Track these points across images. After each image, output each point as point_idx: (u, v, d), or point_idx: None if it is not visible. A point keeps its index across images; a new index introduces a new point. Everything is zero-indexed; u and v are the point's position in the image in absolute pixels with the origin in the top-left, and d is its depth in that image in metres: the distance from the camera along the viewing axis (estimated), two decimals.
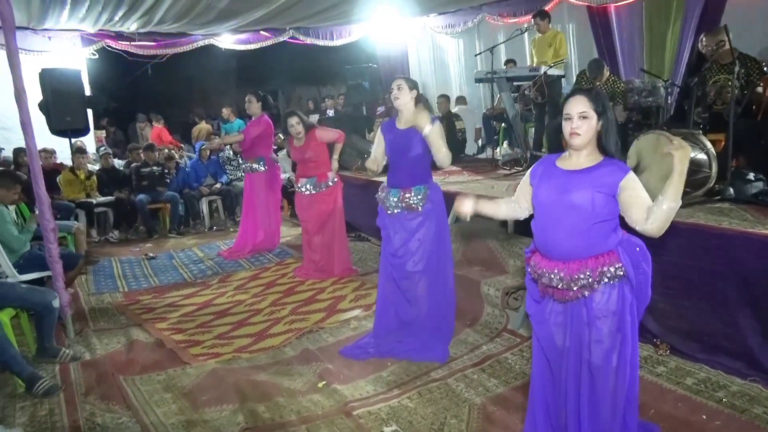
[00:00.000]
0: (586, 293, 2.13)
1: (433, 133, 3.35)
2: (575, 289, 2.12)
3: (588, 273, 2.10)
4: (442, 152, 3.37)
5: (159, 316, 4.47)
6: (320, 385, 3.24)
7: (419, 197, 3.44)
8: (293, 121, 5.06)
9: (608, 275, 2.10)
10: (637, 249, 2.13)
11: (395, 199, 3.48)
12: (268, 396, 3.10)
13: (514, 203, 2.45)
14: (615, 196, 2.09)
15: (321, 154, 5.11)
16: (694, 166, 3.80)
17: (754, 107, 4.36)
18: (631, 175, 2.09)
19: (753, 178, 3.93)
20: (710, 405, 2.76)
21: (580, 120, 2.10)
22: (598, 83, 5.43)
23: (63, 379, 3.34)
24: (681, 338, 3.28)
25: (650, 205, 2.05)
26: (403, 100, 3.45)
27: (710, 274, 3.13)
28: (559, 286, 2.16)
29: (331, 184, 5.14)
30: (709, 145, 3.87)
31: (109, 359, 3.62)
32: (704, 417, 2.68)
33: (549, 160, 2.29)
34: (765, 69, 4.26)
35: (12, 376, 3.21)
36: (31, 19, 7.03)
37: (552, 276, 2.16)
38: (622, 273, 2.11)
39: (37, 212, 4.57)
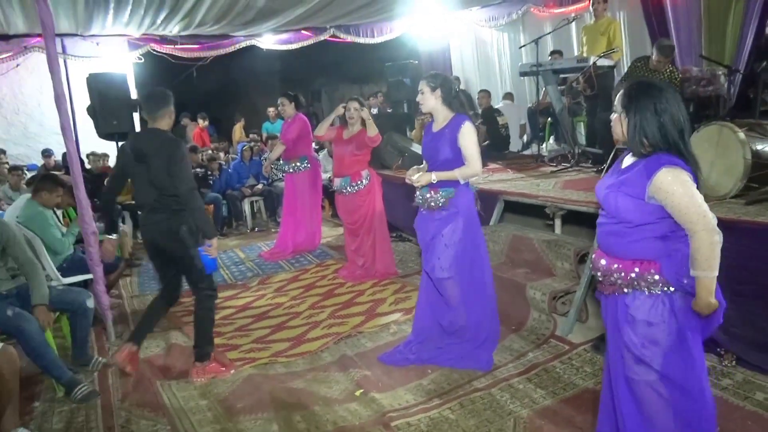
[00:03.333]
0: (624, 290, 1.99)
1: (464, 141, 3.19)
2: (610, 284, 2.03)
3: (622, 274, 1.97)
4: (470, 161, 3.21)
5: None
6: (358, 393, 3.12)
7: (442, 200, 3.28)
8: (354, 105, 4.94)
9: (643, 284, 1.93)
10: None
11: (421, 197, 3.38)
12: (304, 405, 3.01)
13: None
14: (645, 199, 1.88)
15: (362, 149, 4.99)
16: (762, 159, 3.49)
17: None
18: (662, 174, 1.83)
19: None
20: None
21: (612, 116, 2.06)
22: (658, 71, 5.04)
23: (101, 383, 3.35)
24: (749, 348, 2.99)
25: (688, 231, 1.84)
26: (428, 104, 3.30)
27: None
28: (600, 278, 2.09)
29: (365, 182, 5.02)
30: None
31: (147, 364, 3.60)
32: None
33: (623, 158, 2.16)
34: None
35: (53, 381, 3.22)
36: (78, 25, 7.21)
37: (595, 265, 2.11)
38: (665, 287, 1.91)
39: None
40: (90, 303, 3.54)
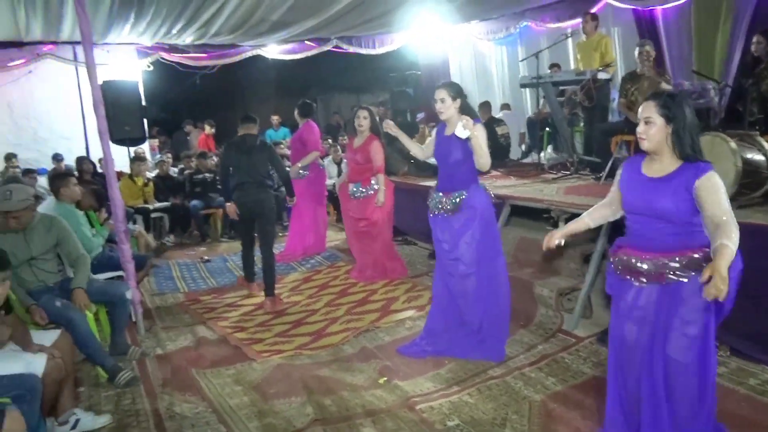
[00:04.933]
0: (678, 277, 2.16)
1: (475, 136, 3.37)
2: (665, 272, 2.18)
3: (678, 260, 2.16)
4: (482, 156, 3.41)
5: (220, 315, 4.67)
6: (381, 381, 3.35)
7: (456, 201, 3.52)
8: (363, 113, 5.22)
9: (695, 269, 2.13)
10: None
11: (436, 201, 3.61)
12: (333, 390, 3.23)
13: (606, 208, 2.53)
14: (692, 198, 2.13)
15: (368, 162, 5.23)
16: (752, 167, 3.79)
17: None
18: (705, 178, 2.10)
19: None
20: None
21: (646, 125, 2.20)
22: (643, 74, 5.36)
23: (141, 370, 3.56)
24: (741, 340, 3.28)
25: (717, 222, 2.04)
26: (448, 113, 3.49)
27: None
28: (650, 270, 2.22)
29: (375, 187, 5.25)
30: (766, 145, 3.86)
31: (181, 354, 3.83)
32: None
33: (633, 166, 2.35)
34: None
35: (95, 368, 3.43)
36: (94, 34, 7.41)
37: (641, 263, 2.24)
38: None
39: (104, 217, 4.87)
40: (128, 294, 3.76)
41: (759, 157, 3.83)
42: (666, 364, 2.20)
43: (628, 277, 2.31)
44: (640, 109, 2.25)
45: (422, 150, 3.89)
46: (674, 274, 2.18)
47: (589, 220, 2.61)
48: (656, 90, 5.02)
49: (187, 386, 3.33)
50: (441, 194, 3.60)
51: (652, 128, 2.19)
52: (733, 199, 3.77)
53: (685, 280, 2.17)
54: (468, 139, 3.34)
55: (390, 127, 3.89)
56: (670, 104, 2.17)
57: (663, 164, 2.24)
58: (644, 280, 2.26)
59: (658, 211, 2.19)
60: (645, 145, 2.22)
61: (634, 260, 2.27)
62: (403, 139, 3.93)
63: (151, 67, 9.05)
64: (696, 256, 2.16)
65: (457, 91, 3.52)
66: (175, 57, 8.89)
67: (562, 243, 2.67)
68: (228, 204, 4.98)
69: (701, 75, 5.66)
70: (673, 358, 2.18)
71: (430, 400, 3.10)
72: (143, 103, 8.03)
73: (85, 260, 3.56)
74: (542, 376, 3.29)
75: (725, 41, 6.45)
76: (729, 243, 1.97)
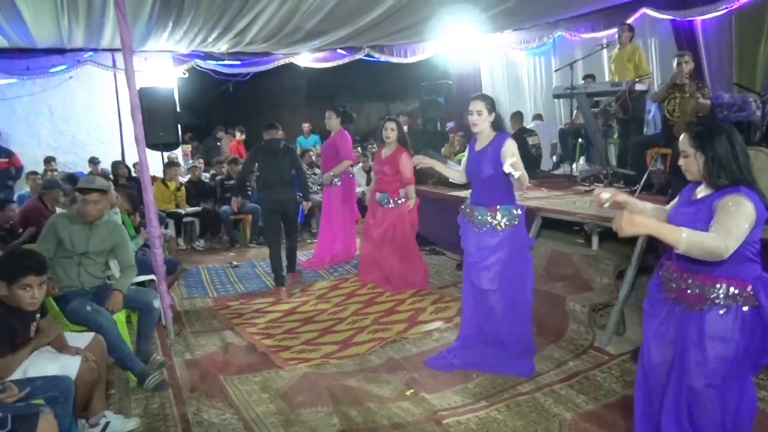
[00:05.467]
0: (706, 306, 2.13)
1: (520, 175, 3.27)
2: (697, 292, 2.15)
3: (712, 285, 2.12)
4: (521, 185, 3.39)
5: (248, 321, 4.70)
6: (408, 393, 3.32)
7: (506, 218, 3.46)
8: (391, 125, 5.24)
9: (733, 296, 2.09)
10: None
11: (481, 217, 3.52)
12: (359, 401, 3.21)
13: (662, 213, 2.43)
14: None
15: (396, 173, 5.23)
16: None
17: None
18: (723, 201, 2.04)
19: None
20: None
21: (684, 158, 2.21)
22: (684, 84, 5.23)
23: (169, 375, 3.60)
24: None
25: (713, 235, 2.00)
26: (482, 126, 3.46)
27: None
28: (686, 289, 2.19)
29: (402, 200, 5.25)
30: None
31: (209, 359, 3.86)
32: None
33: (690, 188, 2.32)
34: None
35: (125, 372, 3.48)
36: (133, 42, 7.61)
37: (680, 280, 2.22)
38: (751, 300, 2.08)
39: (138, 221, 4.96)
40: (156, 303, 3.80)
41: None
42: (688, 391, 2.17)
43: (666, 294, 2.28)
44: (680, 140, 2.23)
45: (460, 173, 3.77)
46: (705, 302, 2.14)
47: (651, 208, 2.46)
48: (694, 106, 4.91)
49: (215, 392, 3.35)
50: (482, 208, 3.53)
51: (688, 161, 2.20)
52: None
53: (711, 307, 2.13)
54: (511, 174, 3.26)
55: (421, 160, 3.87)
56: (702, 135, 2.14)
57: (703, 189, 2.23)
58: (676, 298, 2.24)
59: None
60: (688, 177, 2.24)
61: (676, 276, 2.24)
62: (439, 167, 3.90)
63: (186, 74, 9.24)
64: (729, 288, 2.09)
65: (493, 105, 3.50)
66: (210, 65, 9.06)
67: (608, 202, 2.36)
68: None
69: (742, 87, 5.52)
70: (694, 386, 2.15)
71: (458, 414, 3.06)
72: (178, 109, 8.19)
73: (134, 271, 3.75)
74: (573, 393, 3.22)
75: (767, 53, 6.28)
76: (688, 234, 1.95)
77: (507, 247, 3.48)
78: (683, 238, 1.96)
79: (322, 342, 4.21)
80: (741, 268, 2.10)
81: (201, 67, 9.09)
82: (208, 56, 8.94)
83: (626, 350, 3.66)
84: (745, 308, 2.09)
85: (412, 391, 3.33)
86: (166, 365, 3.75)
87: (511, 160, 3.22)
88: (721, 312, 2.11)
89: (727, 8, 6.43)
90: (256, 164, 5.74)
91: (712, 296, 2.12)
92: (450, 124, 9.86)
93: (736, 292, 2.09)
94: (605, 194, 2.33)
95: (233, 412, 3.13)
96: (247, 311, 4.98)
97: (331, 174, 6.28)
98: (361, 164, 8.70)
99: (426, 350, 3.93)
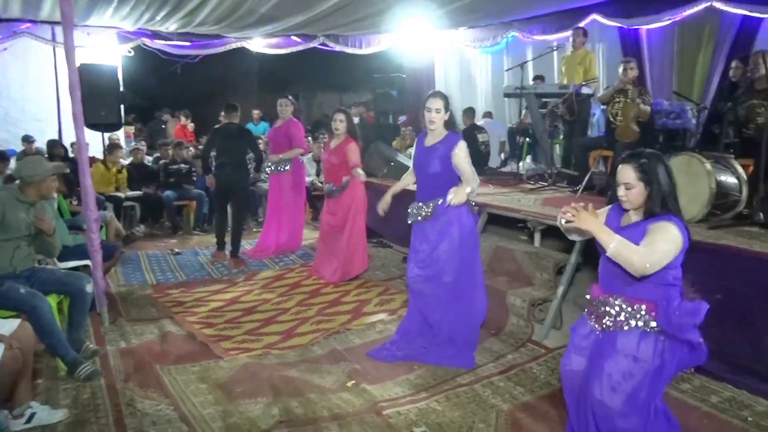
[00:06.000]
0: (618, 327, 2.25)
1: (460, 161, 3.44)
2: (608, 318, 2.27)
3: (621, 308, 2.24)
4: (468, 179, 3.47)
5: (188, 310, 4.58)
6: (349, 384, 3.32)
7: (429, 209, 3.54)
8: (340, 117, 5.20)
9: (640, 321, 2.21)
10: (676, 313, 2.18)
11: (415, 210, 3.63)
12: (300, 392, 3.19)
13: None
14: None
15: (343, 162, 5.20)
16: (724, 190, 3.87)
17: None
18: (657, 225, 2.15)
19: None
20: (735, 423, 2.83)
21: (626, 190, 2.25)
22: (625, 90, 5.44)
23: (103, 365, 3.46)
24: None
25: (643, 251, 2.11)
26: (439, 124, 3.50)
27: (739, 296, 3.18)
28: (599, 310, 2.32)
29: (347, 186, 5.22)
30: (740, 169, 3.94)
31: (145, 348, 3.73)
32: None
33: (617, 211, 2.40)
34: None
35: (54, 360, 3.32)
36: (75, 15, 7.23)
37: (596, 303, 2.34)
38: (655, 326, 2.19)
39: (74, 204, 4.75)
40: (89, 288, 3.63)
41: (732, 179, 3.91)
42: (591, 402, 2.26)
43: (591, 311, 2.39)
44: (618, 170, 2.28)
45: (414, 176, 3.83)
46: (616, 322, 2.26)
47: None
48: (635, 112, 5.09)
49: (151, 382, 3.25)
50: (420, 204, 3.61)
51: (632, 193, 2.24)
52: (704, 220, 3.86)
53: (626, 329, 2.23)
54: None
55: (383, 207, 3.93)
56: (647, 168, 2.21)
57: (631, 216, 2.32)
58: (594, 321, 2.35)
59: None
60: (627, 206, 2.29)
61: (594, 300, 2.37)
62: (397, 188, 3.94)
63: (132, 53, 8.87)
64: (636, 312, 2.21)
65: (449, 103, 3.54)
66: (157, 44, 8.72)
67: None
68: (208, 176, 6.14)
69: (681, 96, 5.77)
70: (596, 398, 2.23)
71: (398, 405, 3.08)
72: (121, 88, 7.86)
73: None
74: (510, 385, 3.30)
75: (706, 64, 6.60)
76: (620, 241, 2.11)
77: (449, 237, 3.52)
78: (615, 241, 2.11)
79: (264, 332, 4.15)
80: (660, 291, 2.21)
81: (148, 47, 8.73)
82: (155, 35, 8.59)
83: (562, 344, 3.77)
84: (649, 330, 2.20)
85: (353, 382, 3.33)
86: (100, 354, 3.60)
87: (450, 197, 3.42)
88: (636, 332, 2.22)
89: (670, 19, 6.71)
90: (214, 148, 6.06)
91: (629, 317, 2.22)
92: (402, 118, 9.88)
93: (653, 314, 2.19)
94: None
95: (169, 403, 3.05)
96: (188, 300, 4.85)
97: (280, 156, 6.15)
98: (311, 154, 8.61)
99: (369, 342, 3.94)
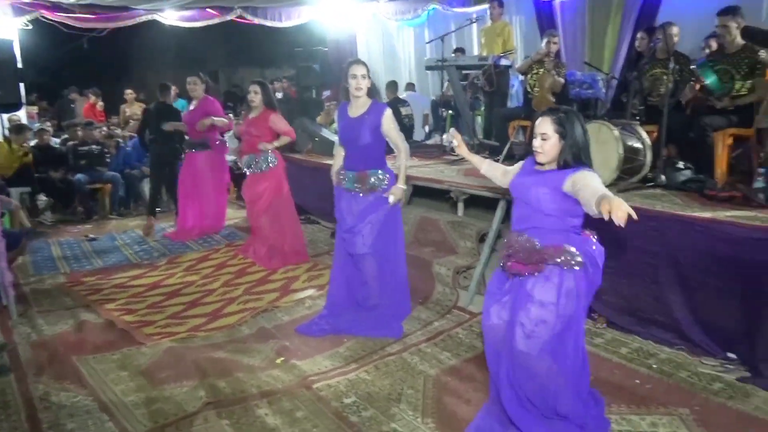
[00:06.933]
0: (534, 272, 2.32)
1: (389, 130, 3.50)
2: (521, 262, 2.34)
3: (536, 254, 2.32)
4: (399, 146, 3.56)
5: (106, 297, 4.38)
6: (278, 361, 3.30)
7: (375, 181, 3.54)
8: (254, 88, 5.01)
9: (558, 260, 2.29)
10: (593, 248, 2.33)
11: (351, 179, 3.58)
12: (228, 372, 3.14)
13: (499, 171, 2.73)
14: (562, 189, 2.26)
15: (263, 135, 5.00)
16: (631, 154, 4.08)
17: (683, 102, 4.72)
18: (581, 174, 2.23)
19: (682, 167, 4.28)
20: (642, 371, 3.04)
21: (543, 141, 2.32)
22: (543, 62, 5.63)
23: (13, 359, 3.25)
24: (617, 313, 3.56)
25: (602, 193, 2.14)
26: (364, 90, 3.49)
27: (645, 254, 3.40)
28: (512, 257, 2.39)
29: (271, 165, 5.02)
30: (644, 135, 4.17)
31: (59, 340, 3.54)
32: (637, 381, 2.95)
33: (531, 161, 2.48)
34: (692, 67, 4.60)
35: None
36: None
37: (512, 247, 2.39)
38: (573, 262, 2.28)
39: None
40: None
41: (638, 145, 4.13)
42: (510, 350, 2.36)
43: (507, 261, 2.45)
44: (536, 122, 2.35)
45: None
46: (530, 266, 2.34)
47: (486, 166, 2.82)
48: (550, 83, 5.27)
49: (66, 374, 3.09)
50: (351, 173, 3.58)
51: (548, 144, 2.31)
52: (614, 183, 4.07)
53: (535, 274, 2.33)
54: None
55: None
56: (564, 121, 2.29)
57: (549, 165, 2.40)
58: (511, 270, 2.42)
59: (526, 197, 2.37)
60: (541, 159, 2.36)
61: (512, 245, 2.42)
62: (335, 165, 3.82)
63: (30, 26, 8.18)
64: (554, 255, 2.30)
65: (369, 71, 3.53)
66: (57, 16, 8.05)
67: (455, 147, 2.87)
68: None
69: (592, 66, 6.01)
70: (515, 347, 2.33)
71: (328, 378, 3.09)
72: (19, 65, 7.26)
73: None
74: (437, 351, 3.39)
75: (614, 36, 6.90)
76: (606, 192, 2.14)
77: (378, 210, 3.54)
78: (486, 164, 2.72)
79: (189, 315, 4.04)
80: (567, 237, 2.32)
81: (47, 19, 8.07)
82: (55, 7, 7.94)
83: None
84: (569, 273, 2.29)
85: (282, 359, 3.32)
86: (7, 348, 3.38)
87: (392, 199, 3.54)
88: (545, 278, 2.31)
89: None
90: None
91: (540, 262, 2.31)
92: (326, 93, 9.74)
93: (560, 259, 2.29)
94: (455, 141, 2.82)
95: (87, 393, 2.92)
96: (106, 287, 4.63)
97: (205, 122, 5.79)
98: (233, 131, 8.33)
99: (298, 318, 3.92)
